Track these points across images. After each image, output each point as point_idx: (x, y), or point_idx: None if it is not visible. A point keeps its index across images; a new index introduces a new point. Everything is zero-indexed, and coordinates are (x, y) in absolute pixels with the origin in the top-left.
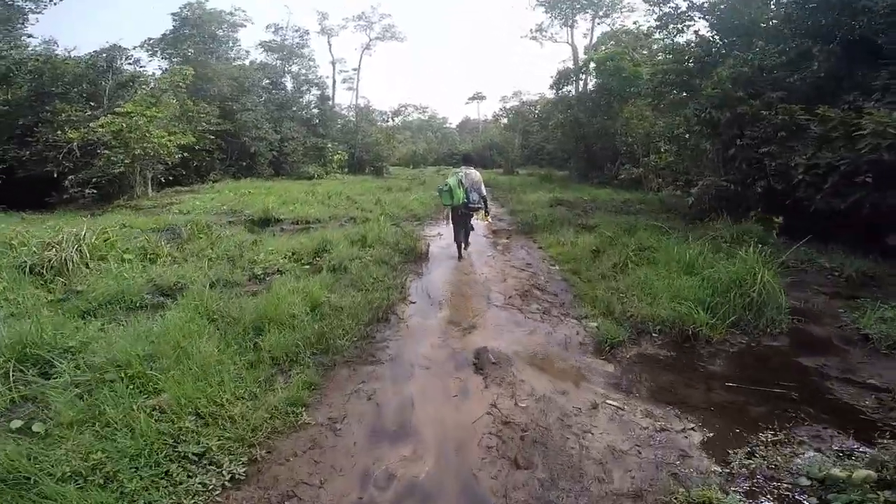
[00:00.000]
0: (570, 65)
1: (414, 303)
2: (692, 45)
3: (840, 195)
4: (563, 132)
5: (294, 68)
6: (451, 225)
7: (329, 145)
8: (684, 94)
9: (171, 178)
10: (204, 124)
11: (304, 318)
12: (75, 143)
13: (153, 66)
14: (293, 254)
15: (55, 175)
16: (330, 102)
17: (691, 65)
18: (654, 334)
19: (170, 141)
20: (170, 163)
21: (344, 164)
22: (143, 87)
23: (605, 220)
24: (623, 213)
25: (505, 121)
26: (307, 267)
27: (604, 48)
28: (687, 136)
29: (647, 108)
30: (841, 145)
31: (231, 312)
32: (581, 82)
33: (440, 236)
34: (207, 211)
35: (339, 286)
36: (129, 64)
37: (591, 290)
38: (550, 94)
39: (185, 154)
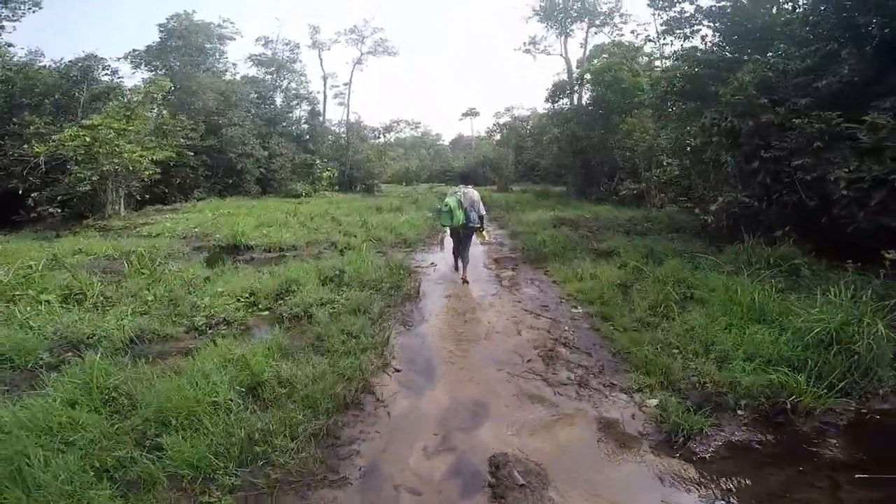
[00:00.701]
0: (564, 77)
1: (399, 371)
2: (706, 49)
3: (890, 212)
4: (559, 147)
5: (284, 83)
6: (451, 242)
7: (318, 162)
8: (696, 102)
9: (150, 195)
10: (182, 139)
11: (234, 406)
12: (41, 158)
13: (138, 79)
14: (250, 295)
15: (20, 192)
16: (321, 118)
17: (704, 71)
18: (737, 411)
19: (142, 156)
20: (147, 180)
21: (334, 182)
22: (119, 98)
23: (619, 243)
24: (633, 234)
25: (498, 136)
26: (265, 314)
27: (596, 61)
28: (701, 147)
29: (650, 120)
30: (891, 157)
31: (133, 392)
32: (576, 95)
33: (433, 267)
34: (177, 234)
35: (296, 347)
36: (107, 75)
37: (633, 345)
38: (543, 110)
39: (163, 170)
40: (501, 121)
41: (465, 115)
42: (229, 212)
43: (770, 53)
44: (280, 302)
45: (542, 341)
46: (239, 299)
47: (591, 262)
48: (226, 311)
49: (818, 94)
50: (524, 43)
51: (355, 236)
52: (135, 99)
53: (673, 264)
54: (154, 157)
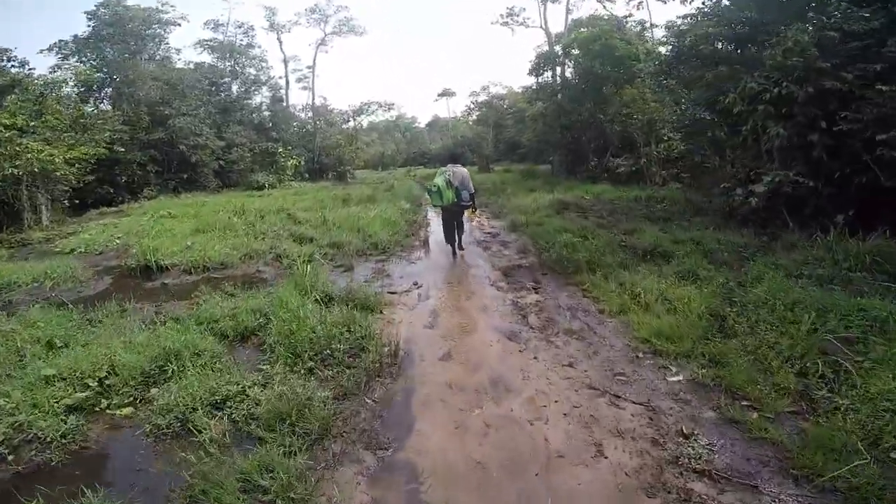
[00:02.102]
0: (546, 49)
1: None
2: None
3: None
4: (544, 122)
5: (239, 68)
6: (442, 226)
7: (281, 150)
8: (717, 67)
9: (93, 197)
10: (109, 132)
11: None
12: None
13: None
14: (100, 382)
15: None
16: (283, 104)
17: (736, 30)
18: None
19: (51, 156)
20: (76, 181)
21: (301, 171)
22: (25, 92)
23: (653, 235)
24: (655, 220)
25: (476, 115)
26: (123, 413)
27: (584, 30)
28: (737, 118)
29: (649, 91)
30: None
31: None
32: (561, 68)
33: (418, 293)
34: (93, 250)
35: None
36: (16, 67)
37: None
38: (520, 88)
39: (104, 169)
40: (479, 99)
41: (441, 95)
42: (171, 213)
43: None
44: (153, 389)
45: (652, 470)
46: (86, 385)
47: (642, 271)
48: (39, 426)
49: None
50: (501, 15)
51: (311, 241)
52: (35, 90)
53: (773, 281)
54: (67, 156)
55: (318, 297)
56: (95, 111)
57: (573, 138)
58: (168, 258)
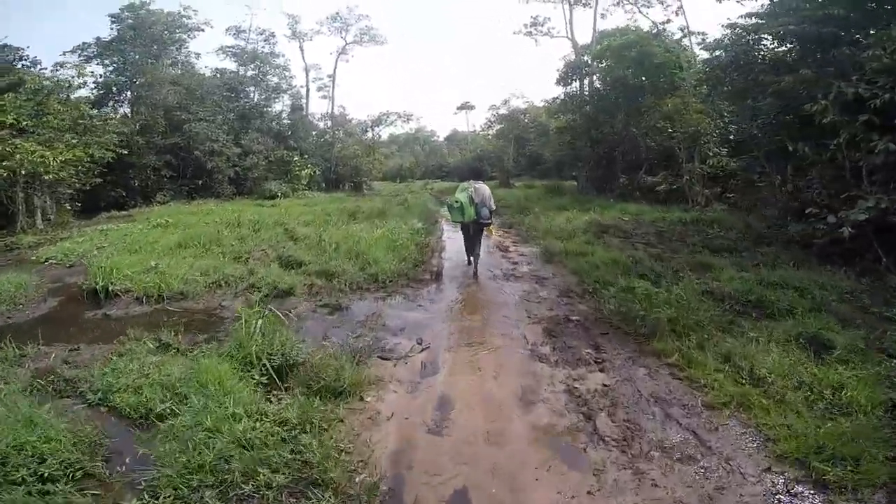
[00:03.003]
0: (572, 59)
1: None
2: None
3: None
4: (572, 135)
5: (259, 75)
6: (463, 239)
7: (296, 159)
8: (806, 71)
9: (105, 201)
10: (113, 135)
11: None
12: None
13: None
14: None
15: None
16: (303, 112)
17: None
18: None
19: (43, 157)
20: (81, 185)
21: (316, 180)
22: (28, 91)
23: (737, 276)
24: (717, 250)
25: (498, 127)
26: None
27: (615, 39)
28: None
29: (695, 101)
30: None
31: None
32: (591, 78)
33: (420, 359)
34: (65, 262)
35: None
36: (27, 66)
37: None
38: (541, 103)
39: (115, 172)
40: (501, 111)
41: (460, 108)
42: (168, 221)
43: None
44: None
45: None
46: None
47: (746, 332)
48: None
49: None
50: (525, 25)
51: (301, 265)
52: (35, 88)
53: None
54: (61, 158)
55: (265, 368)
56: (99, 113)
57: (604, 153)
58: (122, 282)
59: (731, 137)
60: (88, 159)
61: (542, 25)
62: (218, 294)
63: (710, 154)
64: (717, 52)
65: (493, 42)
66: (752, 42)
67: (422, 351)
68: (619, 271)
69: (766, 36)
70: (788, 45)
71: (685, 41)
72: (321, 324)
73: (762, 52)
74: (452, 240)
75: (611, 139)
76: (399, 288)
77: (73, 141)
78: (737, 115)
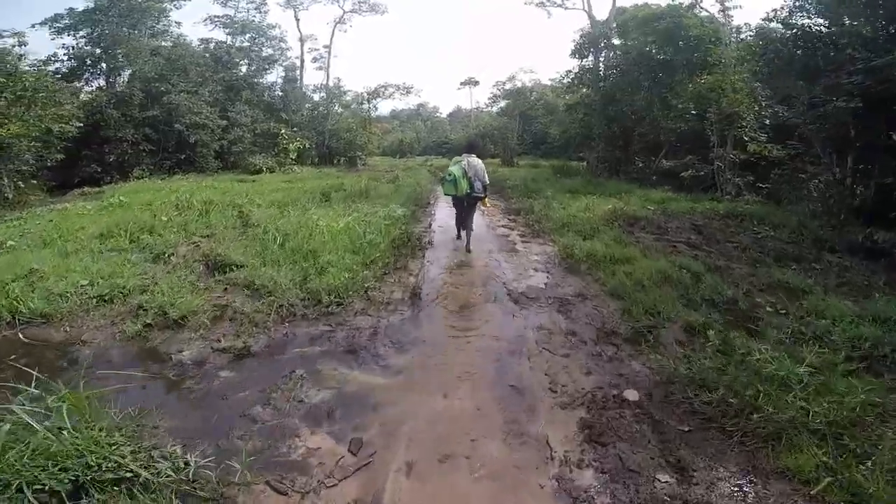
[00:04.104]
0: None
1: None
2: None
3: None
4: (585, 113)
5: (248, 44)
6: (454, 212)
7: (284, 132)
8: None
9: (79, 177)
10: (71, 106)
11: None
12: None
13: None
14: None
15: None
16: (297, 84)
17: None
18: None
19: None
20: (34, 162)
21: (306, 154)
22: None
23: (847, 312)
24: (782, 258)
25: (504, 104)
26: None
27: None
28: None
29: (739, 80)
30: None
31: None
32: (607, 52)
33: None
34: None
35: None
36: None
37: None
38: (548, 81)
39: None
40: (507, 87)
41: (464, 84)
42: (122, 201)
43: None
44: None
45: None
46: None
47: None
48: None
49: None
50: None
51: (232, 269)
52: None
53: None
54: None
55: None
56: (56, 85)
57: (620, 132)
58: None
59: (768, 122)
60: (43, 134)
61: None
62: (93, 317)
63: (746, 139)
64: (775, 25)
65: (501, 14)
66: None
67: (357, 470)
68: (673, 292)
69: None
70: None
71: (719, 16)
72: (197, 397)
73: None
74: (445, 231)
75: (629, 118)
76: (350, 317)
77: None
78: (785, 97)
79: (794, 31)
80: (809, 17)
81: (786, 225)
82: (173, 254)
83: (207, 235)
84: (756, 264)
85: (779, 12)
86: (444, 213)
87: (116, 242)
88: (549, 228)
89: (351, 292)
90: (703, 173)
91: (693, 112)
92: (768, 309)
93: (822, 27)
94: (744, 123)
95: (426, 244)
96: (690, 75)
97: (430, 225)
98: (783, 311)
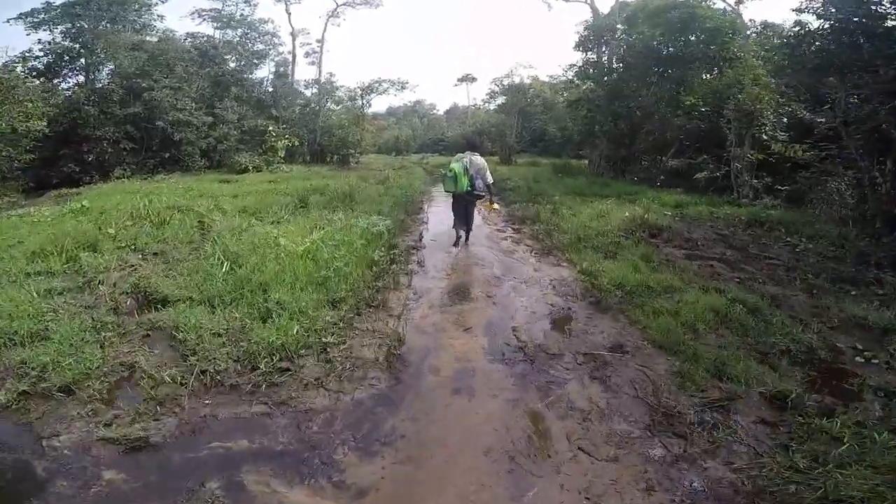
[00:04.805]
0: (589, 22)
1: None
2: None
3: None
4: (589, 109)
5: (247, 41)
6: (450, 216)
7: (271, 129)
8: None
9: (58, 177)
10: (29, 105)
11: None
12: None
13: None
14: None
15: None
16: (288, 79)
17: None
18: None
19: None
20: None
21: (302, 152)
22: None
23: None
24: (848, 286)
25: (501, 100)
26: None
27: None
28: None
29: (765, 74)
30: None
31: None
32: (614, 44)
33: None
34: None
35: None
36: None
37: None
38: (546, 77)
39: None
40: (505, 82)
41: (461, 80)
42: (84, 206)
43: None
44: None
45: None
46: None
47: None
48: None
49: None
50: None
51: (163, 306)
52: None
53: None
54: None
55: None
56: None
57: (627, 129)
58: None
59: (785, 120)
60: (7, 133)
61: None
62: None
63: (766, 138)
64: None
65: (498, 9)
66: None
67: None
68: (735, 338)
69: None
70: None
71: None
72: None
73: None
74: (438, 245)
75: (636, 114)
76: (298, 391)
77: None
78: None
79: (832, 22)
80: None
81: (822, 236)
82: (103, 281)
83: (157, 253)
84: (813, 290)
85: (811, 2)
86: (437, 221)
87: (48, 264)
88: (563, 243)
89: (303, 350)
90: (718, 174)
91: (704, 109)
92: (856, 359)
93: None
94: (765, 121)
95: (413, 268)
96: (706, 69)
97: (421, 238)
98: (873, 360)
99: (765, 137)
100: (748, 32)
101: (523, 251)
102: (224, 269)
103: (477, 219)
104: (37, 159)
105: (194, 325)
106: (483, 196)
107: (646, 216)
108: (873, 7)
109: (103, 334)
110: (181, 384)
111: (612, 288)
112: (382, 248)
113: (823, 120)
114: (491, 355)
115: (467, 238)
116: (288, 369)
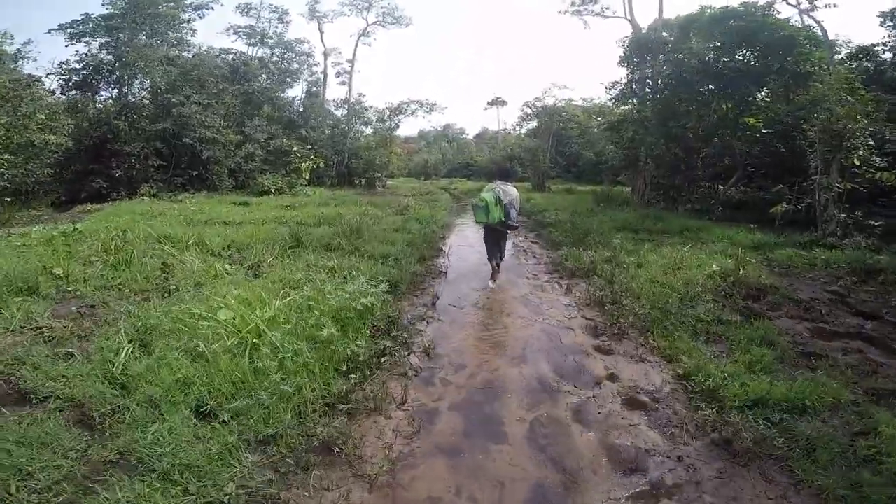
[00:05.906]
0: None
1: None
2: None
3: None
4: (635, 131)
5: (280, 59)
6: (485, 245)
7: (296, 149)
8: None
9: (86, 192)
10: (41, 117)
11: None
12: None
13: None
14: None
15: None
16: (319, 99)
17: None
18: None
19: None
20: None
21: (328, 174)
22: None
23: None
24: None
25: (534, 124)
26: None
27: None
28: None
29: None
30: None
31: None
32: (662, 58)
33: None
34: None
35: None
36: None
37: None
38: (580, 101)
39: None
40: (539, 104)
41: (491, 103)
42: (74, 230)
43: None
44: None
45: None
46: None
47: None
48: None
49: None
50: (573, 3)
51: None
52: None
53: None
54: None
55: None
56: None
57: (683, 153)
58: None
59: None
60: (26, 146)
61: (595, 2)
62: None
63: (857, 163)
64: None
65: (530, 30)
66: None
67: None
68: None
69: None
70: None
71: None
72: None
73: None
74: (453, 322)
75: (690, 136)
76: None
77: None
78: None
79: None
80: None
81: None
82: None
83: (93, 305)
84: None
85: None
86: (458, 271)
87: None
88: (638, 316)
89: None
90: (800, 206)
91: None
92: None
93: None
94: (858, 143)
95: (415, 361)
96: (777, 86)
97: (435, 302)
98: None
99: (856, 162)
100: (836, 49)
101: (581, 330)
102: (122, 357)
103: (514, 271)
104: (70, 173)
105: None
106: (517, 227)
107: (740, 271)
108: None
109: None
110: None
111: (744, 408)
112: (361, 342)
113: None
114: None
115: (499, 265)
116: None
